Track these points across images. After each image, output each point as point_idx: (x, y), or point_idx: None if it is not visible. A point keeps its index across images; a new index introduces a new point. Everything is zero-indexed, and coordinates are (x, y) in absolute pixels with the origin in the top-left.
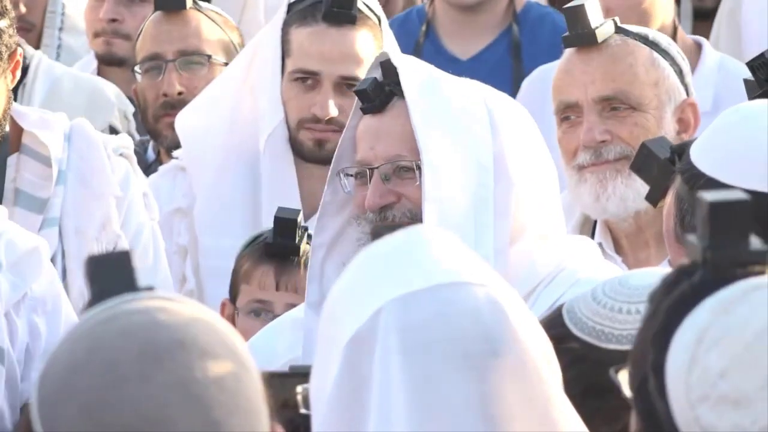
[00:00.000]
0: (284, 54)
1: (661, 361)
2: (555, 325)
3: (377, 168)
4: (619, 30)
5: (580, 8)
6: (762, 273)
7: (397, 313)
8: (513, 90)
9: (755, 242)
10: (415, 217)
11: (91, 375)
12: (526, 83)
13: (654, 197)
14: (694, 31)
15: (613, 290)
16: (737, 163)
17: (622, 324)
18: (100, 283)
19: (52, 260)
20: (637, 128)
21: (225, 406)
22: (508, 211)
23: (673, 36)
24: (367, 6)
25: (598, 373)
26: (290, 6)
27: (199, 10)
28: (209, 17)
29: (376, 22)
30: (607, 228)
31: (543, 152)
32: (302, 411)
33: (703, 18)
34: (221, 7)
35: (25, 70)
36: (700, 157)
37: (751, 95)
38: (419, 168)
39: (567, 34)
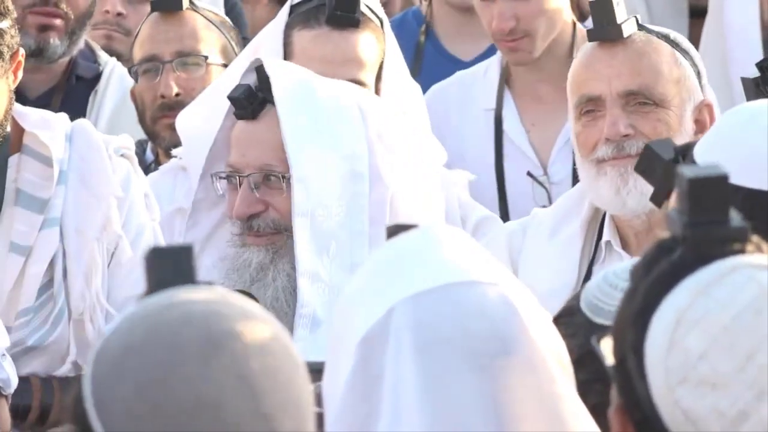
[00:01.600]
0: (286, 56)
1: (641, 342)
2: (574, 298)
3: (247, 176)
4: (641, 28)
5: (607, 2)
6: (742, 251)
7: (409, 312)
8: None
9: (735, 218)
10: (279, 228)
11: (148, 355)
12: None
13: (658, 199)
14: (691, 30)
15: (623, 270)
16: (741, 162)
17: (613, 300)
18: (158, 274)
19: (53, 260)
20: (660, 124)
21: (277, 400)
22: (383, 217)
23: (573, 32)
24: (370, 8)
25: (588, 345)
26: (292, 8)
27: (196, 11)
28: (206, 18)
29: (379, 24)
30: (614, 225)
31: (421, 154)
32: (315, 409)
33: (699, 15)
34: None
35: (98, 77)
36: (703, 157)
37: (749, 94)
38: (287, 179)
39: (592, 27)
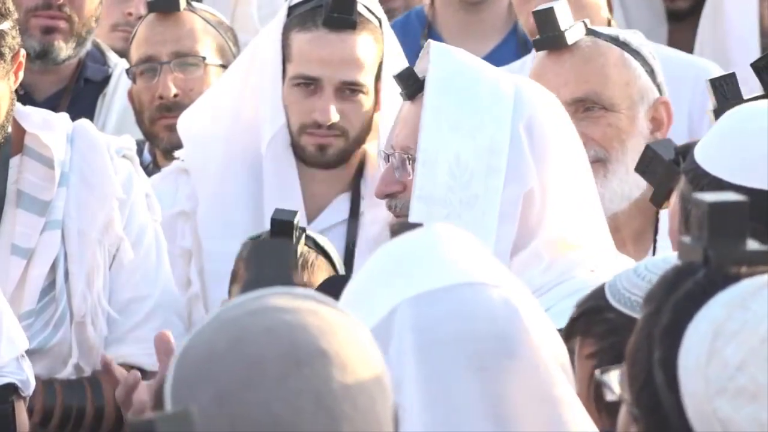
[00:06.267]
0: (285, 58)
1: (671, 356)
2: (596, 297)
3: (392, 155)
4: (589, 32)
5: (549, 11)
6: (766, 271)
7: (412, 312)
8: None
9: (752, 243)
10: None
11: (230, 366)
12: None
13: (659, 199)
14: (670, 34)
15: (655, 266)
16: (741, 162)
17: (642, 292)
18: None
19: (55, 263)
20: (610, 129)
21: (354, 422)
22: (514, 215)
23: None
24: (368, 8)
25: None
26: (290, 9)
27: (193, 12)
28: (204, 18)
29: (377, 24)
30: None
31: (579, 157)
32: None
33: (677, 20)
34: (212, 2)
35: (107, 79)
36: (704, 157)
37: (718, 96)
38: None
39: (538, 37)
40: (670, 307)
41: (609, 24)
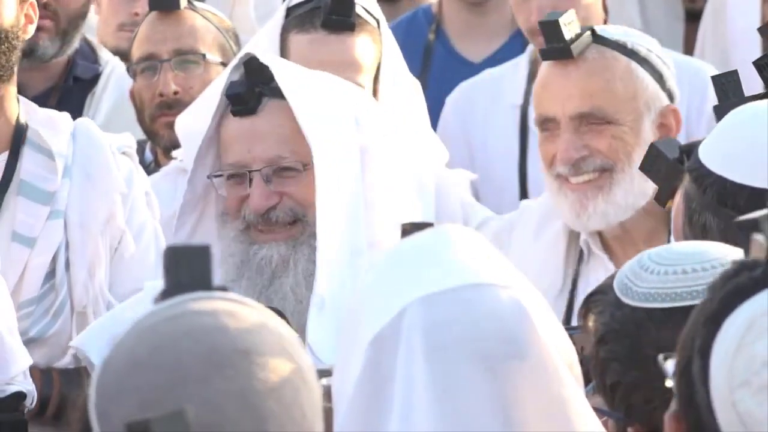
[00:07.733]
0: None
1: (709, 345)
2: (611, 277)
3: (259, 171)
4: (597, 38)
5: (554, 23)
6: None
7: (421, 313)
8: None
9: None
10: (297, 215)
11: (151, 373)
12: (449, 101)
13: (663, 197)
14: (686, 34)
15: (657, 254)
16: (744, 161)
17: (643, 282)
18: (175, 275)
19: (57, 252)
20: (615, 141)
21: (279, 418)
22: (374, 202)
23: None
24: (366, 10)
25: (615, 322)
26: (288, 10)
27: (193, 10)
28: (204, 17)
29: (376, 25)
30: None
31: (403, 149)
32: (325, 404)
33: (695, 19)
34: (211, 3)
35: (97, 77)
36: (708, 155)
37: (719, 93)
38: (303, 167)
39: (544, 47)
40: (719, 296)
41: (605, 23)
